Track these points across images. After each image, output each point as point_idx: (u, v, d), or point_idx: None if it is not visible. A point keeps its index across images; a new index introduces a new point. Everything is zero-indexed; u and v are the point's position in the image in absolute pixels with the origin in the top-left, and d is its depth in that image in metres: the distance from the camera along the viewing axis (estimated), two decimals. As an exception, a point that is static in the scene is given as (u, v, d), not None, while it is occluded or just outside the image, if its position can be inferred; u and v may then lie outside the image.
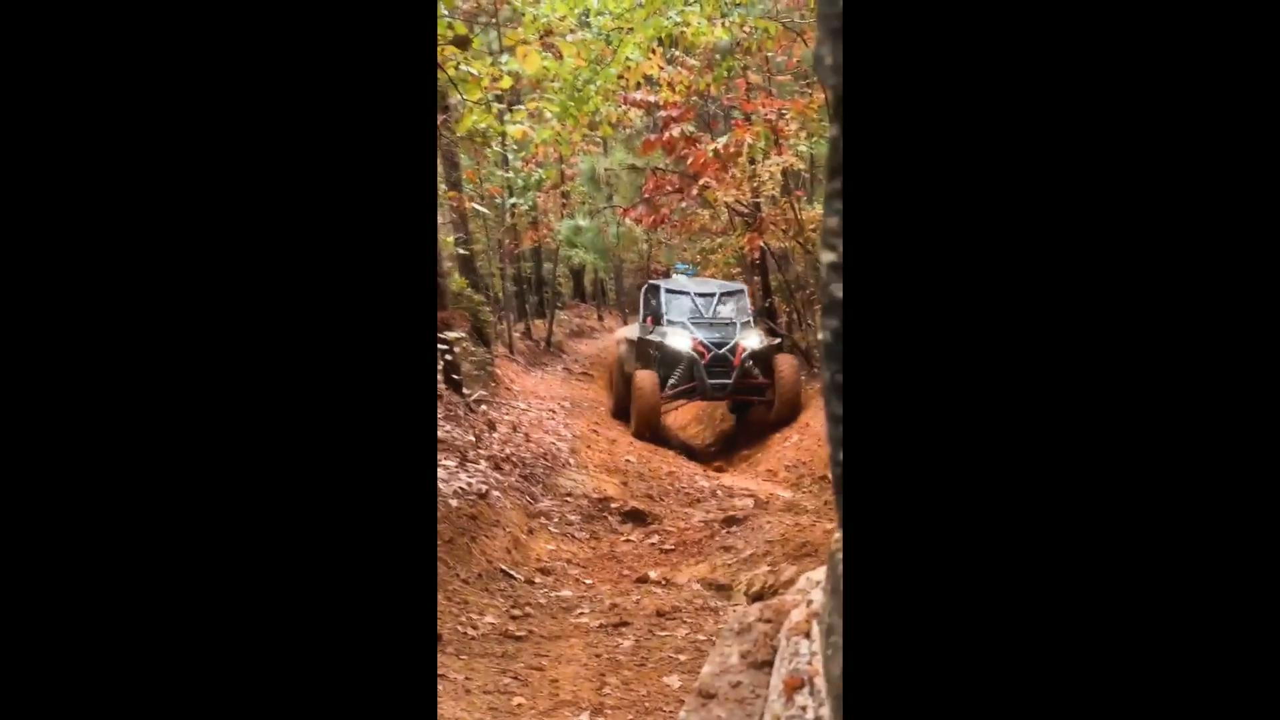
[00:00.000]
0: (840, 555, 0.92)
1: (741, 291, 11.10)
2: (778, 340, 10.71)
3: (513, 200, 12.43)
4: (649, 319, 10.75)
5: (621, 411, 10.48)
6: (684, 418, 11.92)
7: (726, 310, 10.64)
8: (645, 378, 9.79)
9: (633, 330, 11.17)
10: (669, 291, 10.78)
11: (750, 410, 10.75)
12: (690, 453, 10.13)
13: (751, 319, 10.65)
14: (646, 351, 10.28)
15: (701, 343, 9.92)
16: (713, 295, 10.73)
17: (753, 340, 10.07)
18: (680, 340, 9.98)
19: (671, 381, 9.98)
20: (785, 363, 9.83)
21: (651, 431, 9.86)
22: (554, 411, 10.15)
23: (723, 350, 9.90)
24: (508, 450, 7.41)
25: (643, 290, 11.66)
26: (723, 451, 10.37)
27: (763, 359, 10.05)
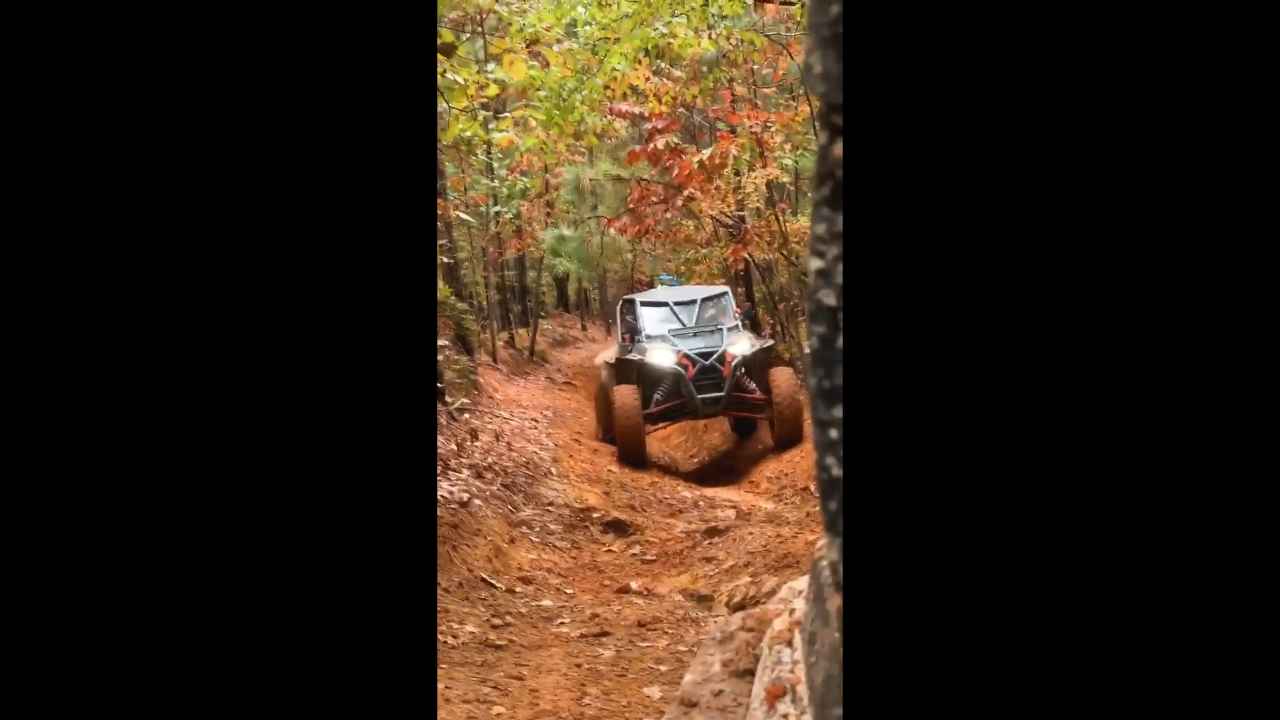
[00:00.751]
0: (823, 564, 0.92)
1: (724, 294, 10.22)
2: (770, 343, 9.85)
3: (497, 208, 12.42)
4: (626, 336, 9.93)
5: (610, 435, 9.60)
6: (672, 439, 11.19)
7: (710, 317, 9.77)
8: (625, 393, 8.79)
9: (614, 352, 10.32)
10: (645, 305, 9.96)
11: (754, 431, 9.90)
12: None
13: (739, 323, 9.75)
14: (628, 372, 9.32)
15: (686, 355, 8.97)
16: (693, 303, 9.89)
17: (742, 345, 9.09)
18: (662, 355, 9.02)
19: (656, 398, 8.99)
20: (782, 375, 8.83)
21: (638, 455, 8.89)
22: (536, 421, 10.13)
23: (710, 360, 8.93)
24: (490, 459, 7.39)
25: (618, 308, 10.87)
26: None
27: (757, 366, 9.08)
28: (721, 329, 9.42)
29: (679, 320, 9.68)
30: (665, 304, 9.88)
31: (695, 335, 9.39)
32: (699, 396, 8.86)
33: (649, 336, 9.47)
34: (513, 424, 9.38)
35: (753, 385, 9.01)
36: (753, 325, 10.92)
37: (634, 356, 9.27)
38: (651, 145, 10.13)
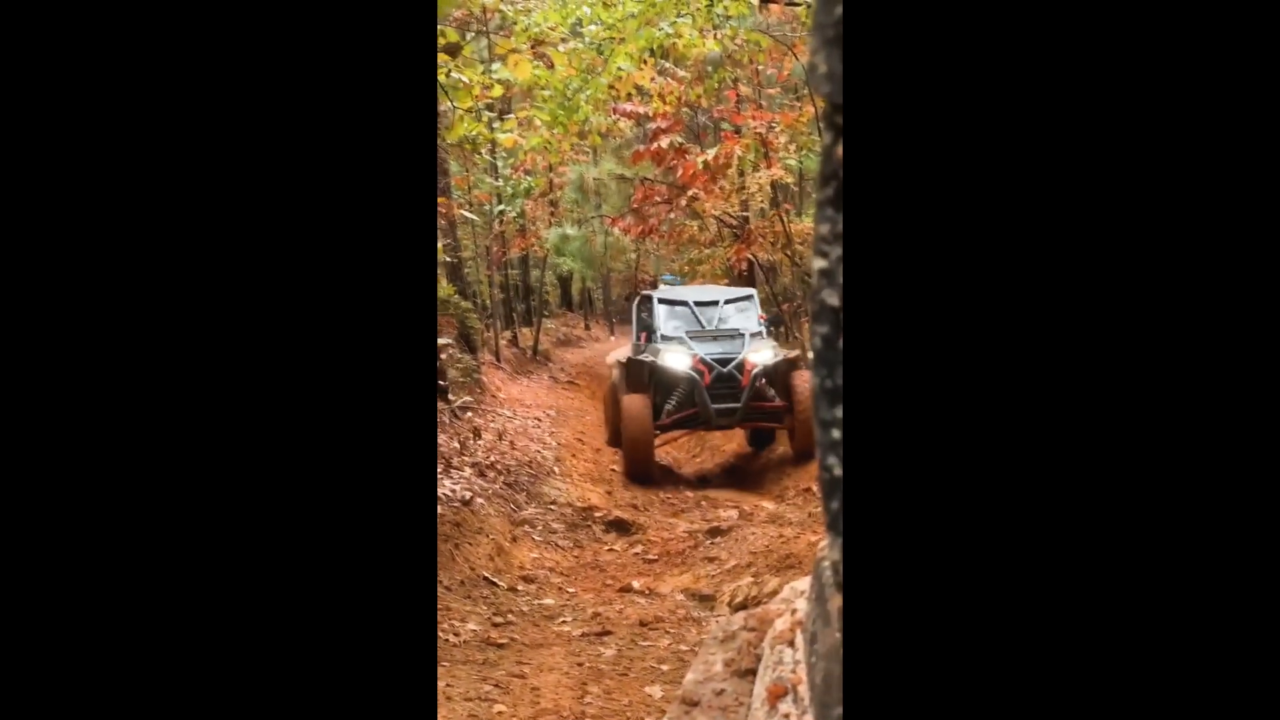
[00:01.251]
0: (825, 564, 0.92)
1: (749, 297, 9.38)
2: (796, 353, 8.90)
3: (501, 207, 12.40)
4: (642, 336, 9.15)
5: (618, 440, 8.86)
6: (681, 446, 10.42)
7: (732, 320, 8.96)
8: (634, 404, 8.15)
9: (626, 351, 9.59)
10: (663, 303, 9.08)
11: (770, 443, 9.23)
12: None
13: (764, 329, 8.99)
14: (638, 374, 8.64)
15: (702, 360, 8.21)
16: (715, 303, 9.09)
17: (765, 354, 8.32)
18: (677, 359, 8.28)
19: (668, 408, 8.33)
20: (805, 381, 8.06)
21: (645, 471, 8.24)
22: (539, 420, 10.13)
23: (728, 368, 8.18)
24: (492, 457, 7.40)
25: (634, 304, 10.01)
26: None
27: (779, 376, 8.37)
28: (744, 334, 8.62)
29: (698, 322, 8.88)
30: (685, 303, 9.05)
31: (714, 339, 8.59)
32: (713, 406, 8.10)
33: (664, 337, 8.69)
34: (515, 423, 9.38)
35: (772, 392, 8.32)
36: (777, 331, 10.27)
37: (646, 358, 8.59)
38: (656, 145, 10.14)
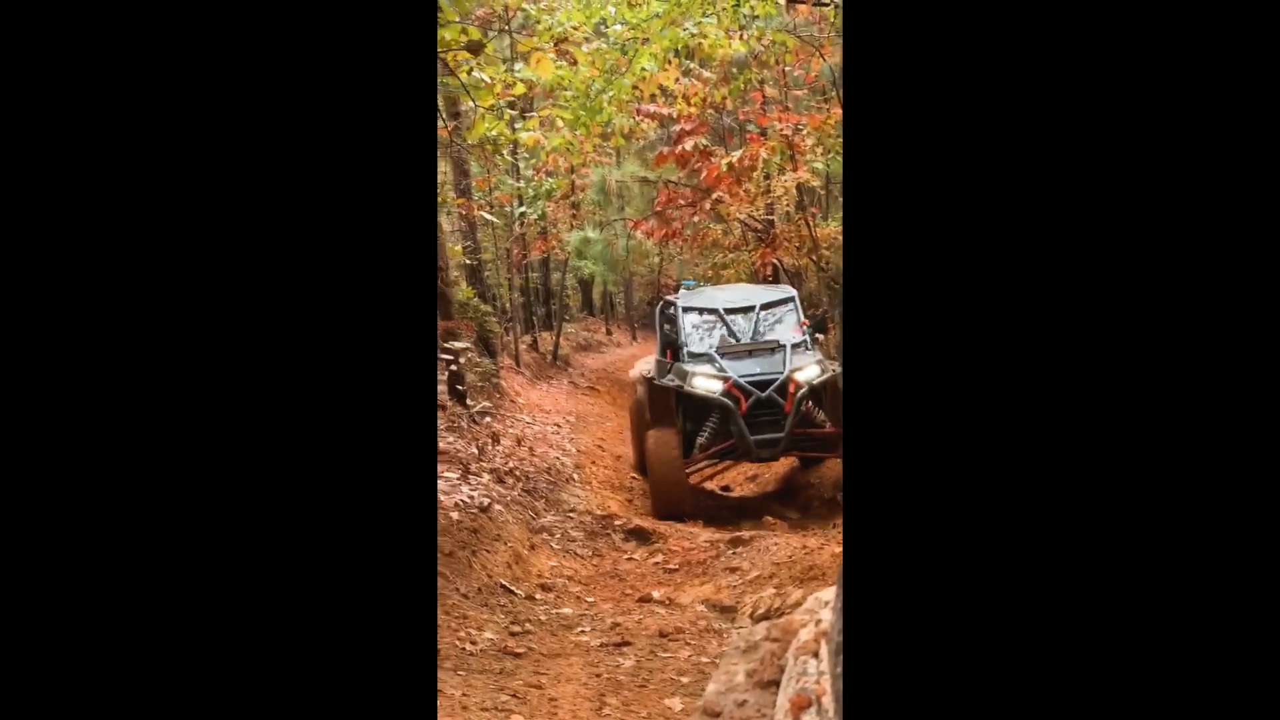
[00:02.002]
0: None
1: (790, 300, 7.94)
2: None
3: (522, 209, 12.35)
4: (668, 352, 7.88)
5: (645, 468, 7.84)
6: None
7: (771, 329, 7.63)
8: (660, 441, 7.07)
9: (650, 363, 8.41)
10: (689, 310, 7.81)
11: (821, 461, 7.83)
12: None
13: (807, 338, 7.57)
14: (664, 401, 7.47)
15: (735, 384, 6.96)
16: (750, 309, 7.72)
17: (810, 370, 7.07)
18: (706, 382, 7.07)
19: (700, 441, 7.22)
20: None
21: (677, 511, 7.03)
22: (559, 426, 10.07)
23: (767, 391, 6.90)
24: (511, 464, 7.33)
25: (657, 311, 8.69)
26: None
27: (829, 396, 7.22)
28: (784, 346, 7.28)
29: (730, 333, 7.62)
30: (714, 310, 7.79)
31: (750, 354, 7.31)
32: (753, 437, 6.91)
33: (691, 354, 7.44)
34: (535, 429, 9.32)
35: (822, 416, 7.23)
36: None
37: (672, 382, 7.40)
38: (680, 147, 10.07)
